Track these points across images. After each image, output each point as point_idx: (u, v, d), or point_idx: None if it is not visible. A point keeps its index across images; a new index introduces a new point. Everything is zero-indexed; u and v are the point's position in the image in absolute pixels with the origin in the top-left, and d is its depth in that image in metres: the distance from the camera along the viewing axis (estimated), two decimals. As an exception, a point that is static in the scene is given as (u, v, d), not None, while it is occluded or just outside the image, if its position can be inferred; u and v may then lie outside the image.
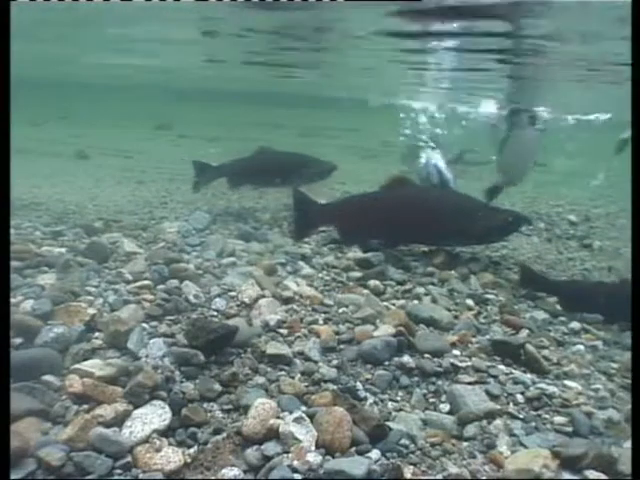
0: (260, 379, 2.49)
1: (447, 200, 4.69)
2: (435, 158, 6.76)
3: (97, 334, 2.67)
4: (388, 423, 2.23)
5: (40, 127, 14.17)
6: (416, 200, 4.62)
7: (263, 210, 6.02)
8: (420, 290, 3.71)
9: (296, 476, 1.88)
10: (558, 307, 3.68)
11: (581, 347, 3.14)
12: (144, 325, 2.78)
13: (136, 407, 2.15)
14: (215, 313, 3.07)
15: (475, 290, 3.84)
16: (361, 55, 6.96)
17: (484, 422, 2.31)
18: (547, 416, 2.41)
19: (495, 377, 2.68)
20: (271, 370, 2.58)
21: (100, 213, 5.38)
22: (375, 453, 2.05)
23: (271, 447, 2.02)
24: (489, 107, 8.46)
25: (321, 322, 3.10)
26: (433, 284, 3.87)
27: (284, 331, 2.93)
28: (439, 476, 1.99)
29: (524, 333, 3.21)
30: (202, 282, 3.42)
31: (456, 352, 2.88)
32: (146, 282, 3.27)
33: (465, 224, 4.26)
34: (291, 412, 2.19)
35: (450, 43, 5.62)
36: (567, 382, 2.70)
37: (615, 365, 2.95)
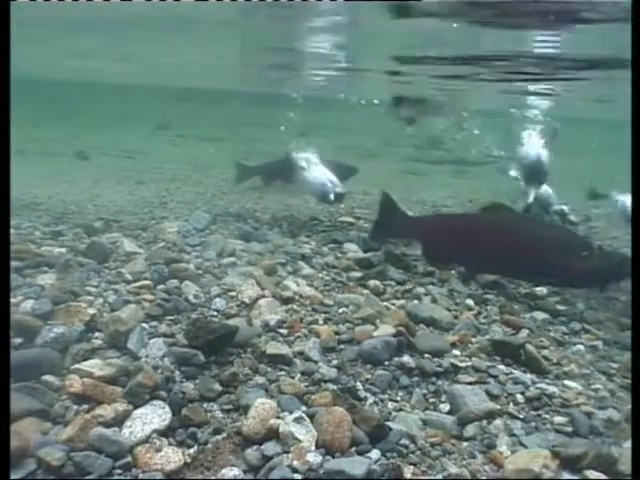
0: (260, 379, 2.49)
1: (546, 233, 4.07)
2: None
3: (97, 334, 2.67)
4: (388, 423, 2.23)
5: (40, 127, 14.16)
6: (510, 229, 4.03)
7: (263, 210, 6.02)
8: (420, 290, 3.72)
9: (296, 476, 1.88)
10: (558, 307, 3.68)
11: (581, 347, 3.14)
12: (144, 325, 2.78)
13: (136, 407, 2.15)
14: (215, 313, 3.07)
15: (475, 290, 3.85)
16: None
17: (484, 422, 2.31)
18: (547, 416, 2.41)
19: (495, 377, 2.68)
20: (271, 370, 2.58)
21: (100, 213, 5.38)
22: (375, 453, 2.05)
23: (271, 447, 2.02)
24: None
25: (321, 322, 3.09)
26: (433, 284, 3.88)
27: (284, 331, 2.93)
28: (439, 476, 1.99)
29: (524, 333, 3.21)
30: (202, 282, 3.42)
31: (456, 352, 2.88)
32: (146, 282, 3.27)
33: (559, 262, 3.68)
34: (291, 412, 2.19)
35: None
36: (567, 382, 2.70)
37: (615, 365, 2.95)
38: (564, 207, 6.33)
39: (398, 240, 4.68)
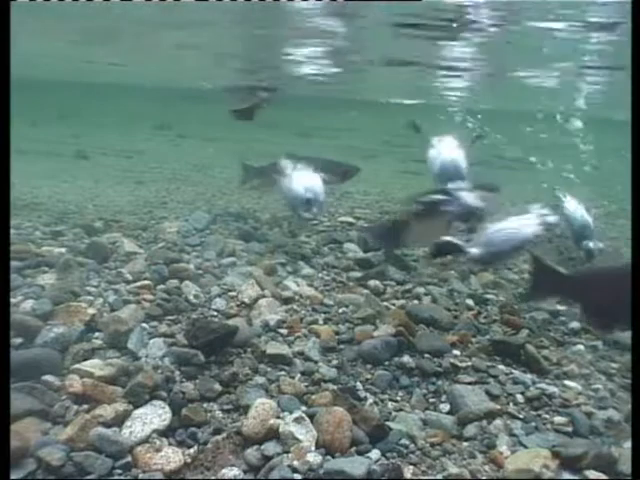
0: (260, 379, 2.49)
1: None
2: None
3: (97, 334, 2.67)
4: (388, 423, 2.23)
5: (39, 127, 14.16)
6: None
7: (263, 210, 6.01)
8: (420, 290, 3.71)
9: (296, 476, 1.88)
10: (558, 307, 3.68)
11: (581, 347, 3.14)
12: (144, 325, 2.78)
13: (136, 407, 2.15)
14: (215, 313, 3.07)
15: (475, 290, 3.84)
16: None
17: (484, 422, 2.31)
18: (547, 416, 2.41)
19: (495, 377, 2.68)
20: (271, 370, 2.58)
21: (100, 213, 5.38)
22: (375, 453, 2.05)
23: (271, 447, 2.02)
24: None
25: (321, 322, 3.10)
26: (433, 284, 3.87)
27: (284, 331, 2.93)
28: (439, 476, 1.99)
29: (524, 333, 3.21)
30: (202, 282, 3.42)
31: (456, 352, 2.88)
32: (146, 282, 3.27)
33: None
34: (291, 412, 2.19)
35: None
36: (567, 382, 2.70)
37: (615, 365, 2.95)
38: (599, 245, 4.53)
39: (557, 300, 3.96)
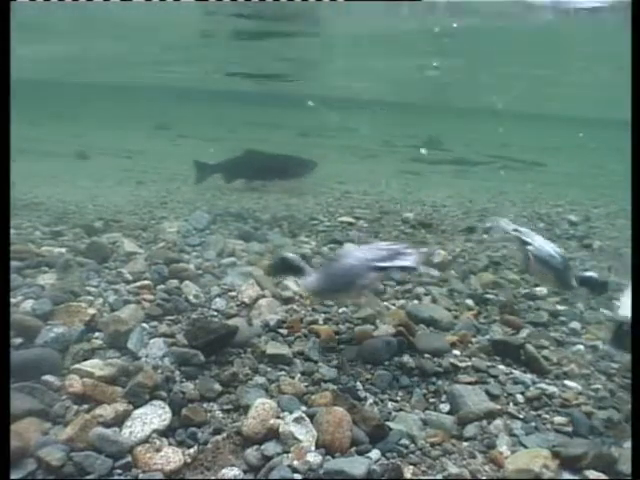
0: (260, 379, 2.49)
1: None
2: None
3: (97, 334, 2.67)
4: (388, 423, 2.23)
5: (40, 127, 14.16)
6: None
7: (263, 210, 6.02)
8: (420, 290, 3.71)
9: (296, 476, 1.88)
10: (558, 307, 3.68)
11: (581, 347, 3.14)
12: (144, 325, 2.79)
13: (136, 407, 2.15)
14: (215, 313, 3.08)
15: (475, 290, 3.84)
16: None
17: (484, 422, 2.31)
18: (547, 416, 2.41)
19: (495, 377, 2.67)
20: (271, 370, 2.58)
21: (100, 213, 5.38)
22: (375, 453, 2.05)
23: (271, 447, 2.02)
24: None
25: (321, 322, 3.10)
26: (433, 284, 3.87)
27: (284, 331, 2.93)
28: (439, 476, 1.99)
29: (524, 333, 3.21)
30: (202, 282, 3.43)
31: (456, 352, 2.88)
32: (146, 282, 3.27)
33: None
34: (291, 412, 2.19)
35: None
36: (567, 382, 2.70)
37: (615, 365, 2.95)
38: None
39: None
